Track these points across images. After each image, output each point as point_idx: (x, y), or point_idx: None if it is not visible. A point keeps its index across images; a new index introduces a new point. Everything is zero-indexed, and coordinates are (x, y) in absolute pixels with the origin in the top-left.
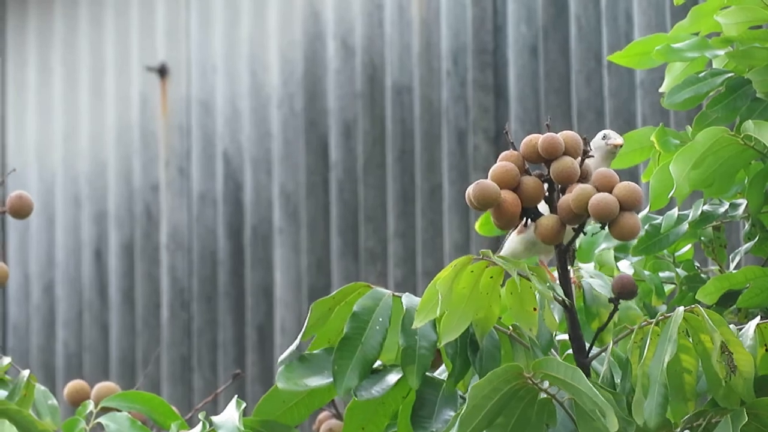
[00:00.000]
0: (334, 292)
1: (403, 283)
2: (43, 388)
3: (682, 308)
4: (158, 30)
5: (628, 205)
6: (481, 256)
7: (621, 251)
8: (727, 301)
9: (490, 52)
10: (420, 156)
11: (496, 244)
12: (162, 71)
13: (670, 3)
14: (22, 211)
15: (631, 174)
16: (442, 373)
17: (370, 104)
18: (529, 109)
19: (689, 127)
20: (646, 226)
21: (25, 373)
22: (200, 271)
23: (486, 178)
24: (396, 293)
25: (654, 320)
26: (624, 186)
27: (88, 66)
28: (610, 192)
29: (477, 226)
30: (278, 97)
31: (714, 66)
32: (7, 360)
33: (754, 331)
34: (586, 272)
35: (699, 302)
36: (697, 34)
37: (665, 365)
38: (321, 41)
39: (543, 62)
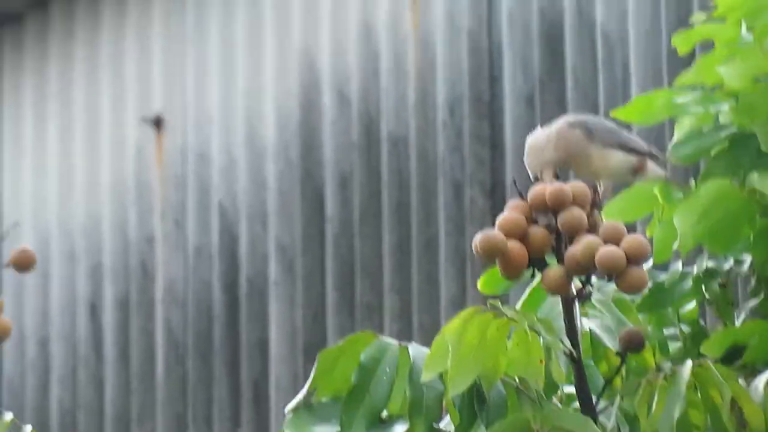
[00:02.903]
0: (340, 342)
1: (399, 337)
2: None
3: (690, 362)
4: (154, 81)
5: (636, 259)
6: (488, 307)
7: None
8: (732, 357)
9: (486, 102)
10: (416, 208)
11: (493, 298)
12: (157, 122)
13: (667, 53)
14: (25, 264)
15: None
16: (447, 424)
17: (367, 155)
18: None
19: (693, 180)
20: (650, 283)
21: (27, 428)
22: (195, 325)
23: (481, 230)
24: (402, 343)
25: (662, 374)
26: (632, 239)
27: (83, 118)
28: (618, 244)
29: (480, 283)
30: (274, 148)
31: (721, 119)
32: (9, 416)
33: (764, 386)
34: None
35: (703, 357)
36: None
37: (675, 421)
38: (317, 91)
39: (539, 113)
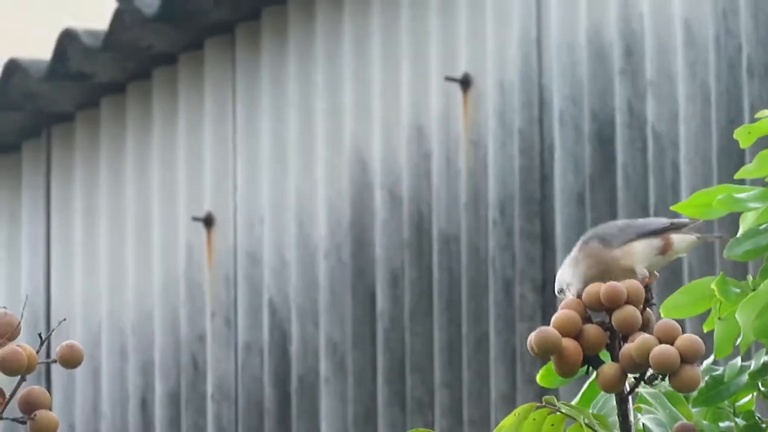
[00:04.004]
0: None
1: None
2: None
3: None
4: (205, 180)
5: (689, 358)
6: (544, 404)
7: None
8: None
9: (537, 201)
10: (466, 305)
11: (542, 394)
12: (208, 221)
13: (718, 152)
14: (72, 360)
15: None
16: None
17: (417, 253)
18: None
19: (750, 276)
20: (706, 377)
21: None
22: (246, 421)
23: (531, 327)
24: None
25: None
26: (686, 338)
27: (134, 215)
28: (672, 343)
29: (538, 377)
30: (325, 247)
31: None
32: None
33: None
34: (647, 411)
35: None
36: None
37: None
38: (368, 191)
39: (590, 211)
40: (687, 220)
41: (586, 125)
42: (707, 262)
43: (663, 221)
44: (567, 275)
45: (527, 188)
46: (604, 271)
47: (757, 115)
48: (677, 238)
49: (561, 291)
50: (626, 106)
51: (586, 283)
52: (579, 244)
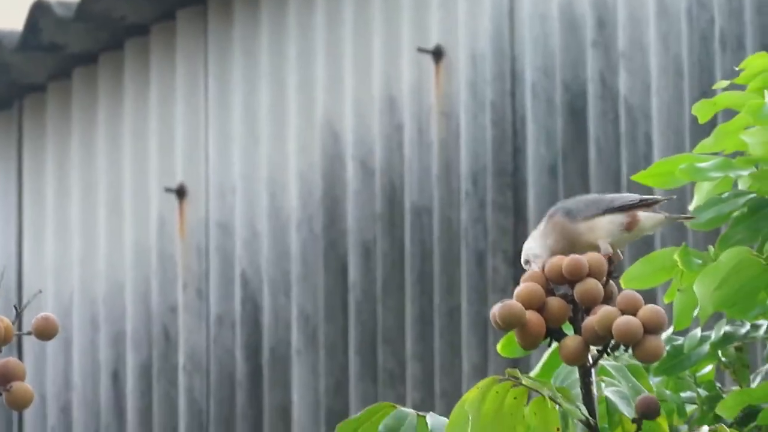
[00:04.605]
0: (359, 413)
1: (421, 405)
2: None
3: (706, 427)
4: (177, 151)
5: (653, 328)
6: (506, 376)
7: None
8: (747, 420)
9: (509, 173)
10: (439, 277)
11: (514, 365)
12: (180, 192)
13: (690, 124)
14: (47, 332)
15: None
16: None
17: (389, 225)
18: None
19: (711, 247)
20: (668, 347)
21: None
22: (218, 392)
23: (505, 299)
24: (420, 413)
25: None
26: (648, 309)
27: (105, 187)
28: (635, 314)
29: (499, 347)
30: (297, 219)
31: (739, 186)
32: None
33: None
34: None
35: (720, 420)
36: (721, 152)
37: None
38: (340, 162)
39: (562, 183)
40: (659, 197)
41: (558, 97)
42: (680, 231)
43: (633, 197)
44: (534, 247)
45: (499, 160)
46: (568, 245)
47: (715, 86)
48: (644, 216)
49: (527, 262)
50: (598, 77)
51: (551, 251)
52: (547, 216)
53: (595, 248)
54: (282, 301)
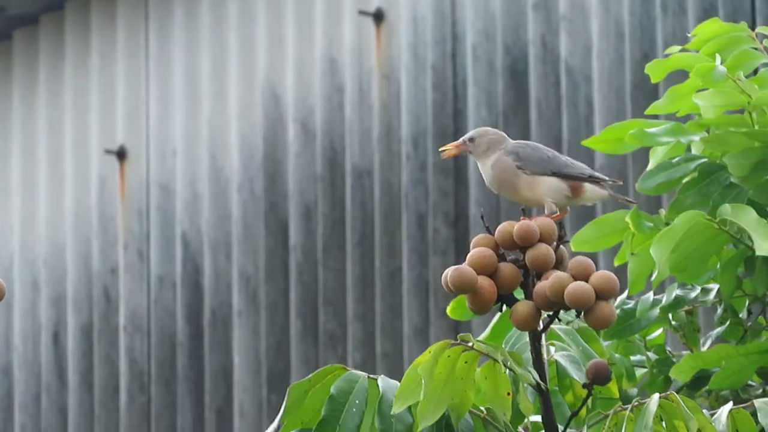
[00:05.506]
0: (310, 375)
1: (362, 365)
2: None
3: (657, 395)
4: (118, 112)
5: (604, 294)
6: (458, 341)
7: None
8: (698, 384)
9: (450, 136)
10: (380, 239)
11: (455, 327)
12: (121, 154)
13: (631, 87)
14: None
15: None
16: None
17: (330, 187)
18: (488, 193)
19: (662, 210)
20: (618, 311)
21: None
22: (159, 353)
23: (444, 260)
24: (371, 376)
25: (629, 406)
26: (600, 275)
27: (46, 149)
28: (586, 280)
29: (449, 310)
30: (238, 180)
31: (692, 151)
32: None
33: (727, 417)
34: (560, 347)
35: (671, 385)
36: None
37: None
38: (281, 125)
39: None
40: (607, 178)
41: (499, 60)
42: (623, 193)
43: (584, 170)
44: (483, 146)
45: (440, 123)
46: (508, 187)
47: (667, 51)
48: (590, 188)
49: (471, 139)
50: (539, 40)
51: (489, 183)
52: (510, 143)
53: (533, 202)
54: (223, 263)
